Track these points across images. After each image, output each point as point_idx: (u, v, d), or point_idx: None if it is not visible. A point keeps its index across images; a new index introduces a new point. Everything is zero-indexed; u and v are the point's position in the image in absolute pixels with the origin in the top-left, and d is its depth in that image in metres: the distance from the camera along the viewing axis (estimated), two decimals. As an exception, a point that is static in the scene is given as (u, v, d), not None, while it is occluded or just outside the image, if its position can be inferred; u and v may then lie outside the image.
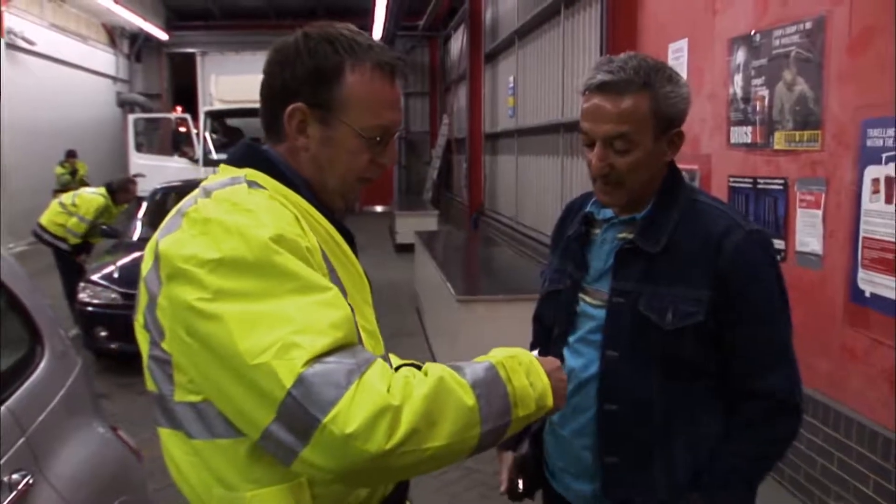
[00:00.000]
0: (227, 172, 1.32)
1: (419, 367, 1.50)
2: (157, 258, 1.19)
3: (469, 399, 1.10)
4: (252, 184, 1.26)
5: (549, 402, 1.25)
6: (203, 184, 1.31)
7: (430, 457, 1.06)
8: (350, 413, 1.00)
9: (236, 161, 1.33)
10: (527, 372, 1.22)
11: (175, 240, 1.17)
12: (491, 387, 1.14)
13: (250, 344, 1.04)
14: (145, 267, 1.23)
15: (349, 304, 1.20)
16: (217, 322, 1.07)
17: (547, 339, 1.88)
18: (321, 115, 1.27)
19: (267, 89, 1.32)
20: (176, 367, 1.17)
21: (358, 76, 1.26)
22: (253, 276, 1.09)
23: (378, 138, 1.31)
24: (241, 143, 1.40)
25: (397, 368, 1.17)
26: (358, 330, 1.21)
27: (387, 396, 1.02)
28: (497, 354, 1.23)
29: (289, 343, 1.03)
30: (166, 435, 1.24)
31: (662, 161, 1.68)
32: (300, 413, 1.01)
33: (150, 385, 1.24)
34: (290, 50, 1.28)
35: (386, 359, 1.34)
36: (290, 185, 1.28)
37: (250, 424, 1.08)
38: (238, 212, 1.16)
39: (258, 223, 1.14)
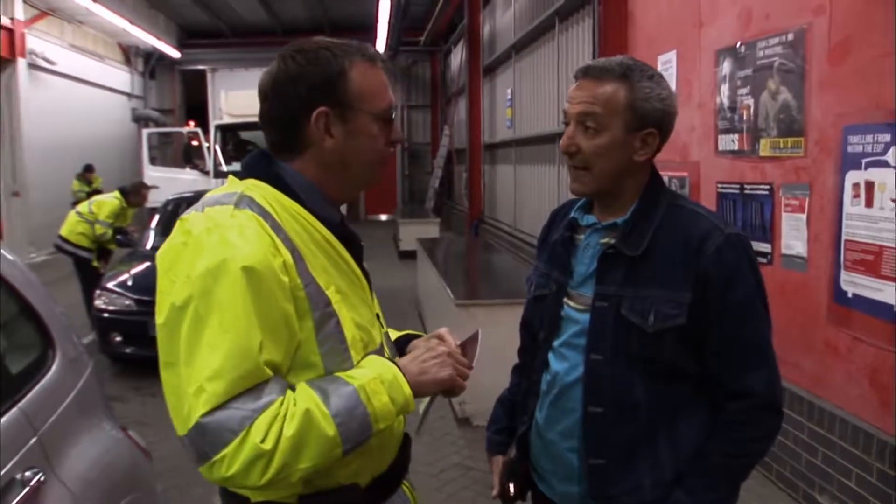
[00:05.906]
0: (231, 185, 1.45)
1: (416, 337, 1.67)
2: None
3: (330, 429, 1.29)
4: (242, 202, 1.37)
5: (412, 407, 1.43)
6: (208, 193, 1.45)
7: (300, 476, 1.30)
8: (233, 459, 1.24)
9: (243, 172, 1.47)
10: (388, 390, 1.38)
11: (166, 247, 1.36)
12: (352, 413, 1.32)
13: (187, 371, 1.27)
14: None
15: (340, 308, 1.39)
16: (176, 331, 1.28)
17: (534, 344, 1.88)
18: (341, 112, 1.42)
19: (278, 109, 1.44)
20: None
21: (356, 70, 1.43)
22: (210, 298, 1.26)
23: (388, 117, 1.49)
24: (254, 153, 1.52)
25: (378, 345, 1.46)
26: (350, 335, 1.40)
27: (261, 446, 1.24)
28: (363, 376, 1.37)
29: (200, 388, 1.24)
30: None
31: (633, 158, 1.68)
32: (198, 443, 1.26)
33: None
34: (291, 69, 1.42)
35: (386, 337, 1.58)
36: (290, 193, 1.42)
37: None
38: (215, 233, 1.30)
39: (230, 247, 1.28)
